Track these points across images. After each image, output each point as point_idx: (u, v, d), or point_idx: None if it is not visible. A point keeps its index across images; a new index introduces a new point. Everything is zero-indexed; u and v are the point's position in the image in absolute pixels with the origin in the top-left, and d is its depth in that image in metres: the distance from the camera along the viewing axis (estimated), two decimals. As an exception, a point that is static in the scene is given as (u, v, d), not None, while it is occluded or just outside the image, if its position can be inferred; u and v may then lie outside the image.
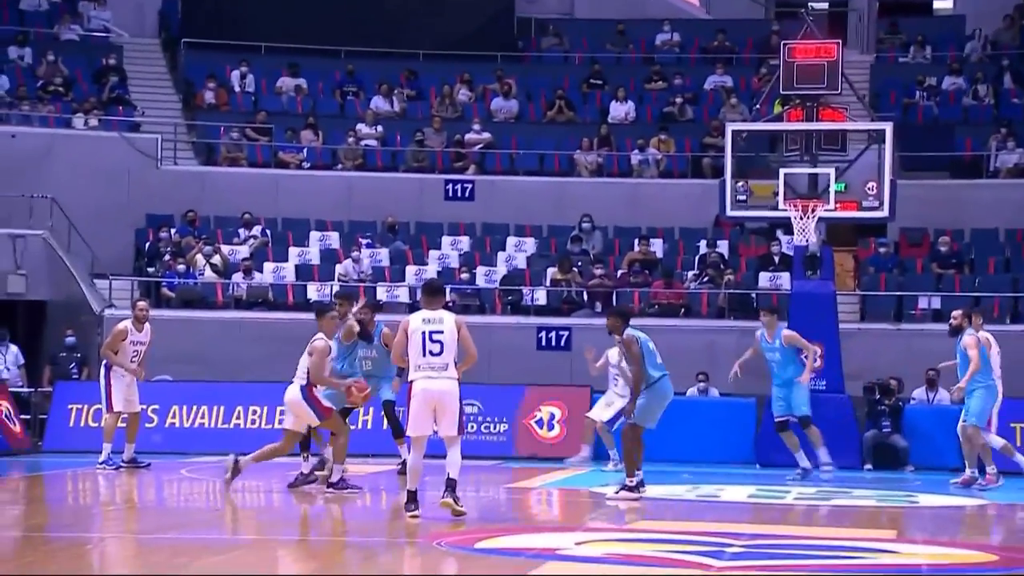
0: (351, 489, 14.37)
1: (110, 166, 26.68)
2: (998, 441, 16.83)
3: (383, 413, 17.10)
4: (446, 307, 12.79)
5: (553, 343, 23.14)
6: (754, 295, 24.64)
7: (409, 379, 12.14)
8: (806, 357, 17.36)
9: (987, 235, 26.38)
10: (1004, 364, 22.57)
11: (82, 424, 20.29)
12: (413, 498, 12.08)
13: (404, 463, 16.71)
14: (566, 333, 23.49)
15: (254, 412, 20.45)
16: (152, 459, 17.43)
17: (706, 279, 24.73)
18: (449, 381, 12.07)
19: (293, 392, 14.24)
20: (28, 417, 21.15)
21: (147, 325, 17.08)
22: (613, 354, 17.64)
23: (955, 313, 17.13)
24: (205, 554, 10.49)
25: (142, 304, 17.57)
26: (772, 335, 17.51)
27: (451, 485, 12.02)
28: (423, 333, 12.04)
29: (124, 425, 17.10)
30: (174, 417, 20.27)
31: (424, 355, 12.01)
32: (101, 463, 16.77)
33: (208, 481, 16.72)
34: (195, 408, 20.46)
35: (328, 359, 14.32)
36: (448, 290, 21.07)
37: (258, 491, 16.16)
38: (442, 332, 12.07)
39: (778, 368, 17.50)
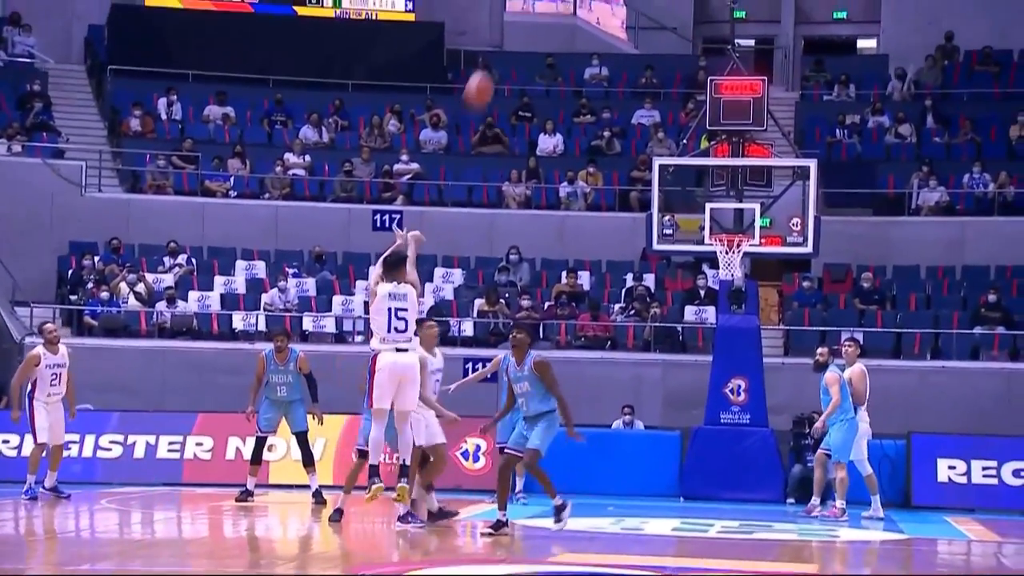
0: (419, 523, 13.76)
1: (33, 192, 26.46)
2: (867, 470, 17.24)
3: (297, 442, 17.20)
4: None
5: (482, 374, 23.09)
6: (680, 328, 24.79)
7: (374, 350, 12.52)
8: None
9: (909, 272, 26.68)
10: (927, 401, 23.02)
11: (4, 454, 20.04)
12: (376, 472, 12.27)
13: (317, 492, 16.75)
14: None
15: (174, 442, 20.29)
16: (72, 489, 17.20)
17: (632, 312, 24.83)
18: (414, 355, 12.66)
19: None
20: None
21: (62, 347, 16.82)
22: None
23: (821, 350, 17.38)
24: (125, 586, 10.37)
25: (50, 326, 17.19)
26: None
27: (405, 472, 12.39)
28: (389, 309, 12.49)
29: (47, 454, 16.88)
30: (95, 447, 20.07)
31: (390, 330, 12.45)
32: (23, 493, 16.56)
33: (130, 511, 16.55)
34: (117, 437, 20.27)
35: (427, 372, 13.80)
36: (381, 260, 21.05)
37: (183, 521, 16.01)
38: (407, 309, 12.59)
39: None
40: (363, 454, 14.29)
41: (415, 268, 13.30)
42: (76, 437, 19.46)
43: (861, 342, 23.06)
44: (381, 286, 12.65)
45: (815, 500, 17.08)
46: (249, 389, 17.11)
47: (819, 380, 17.04)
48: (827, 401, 16.85)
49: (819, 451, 17.15)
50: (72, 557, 12.58)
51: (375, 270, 13.22)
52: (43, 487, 16.69)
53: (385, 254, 13.10)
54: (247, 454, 19.96)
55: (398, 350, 12.51)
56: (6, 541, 14.22)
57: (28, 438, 19.37)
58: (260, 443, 17.22)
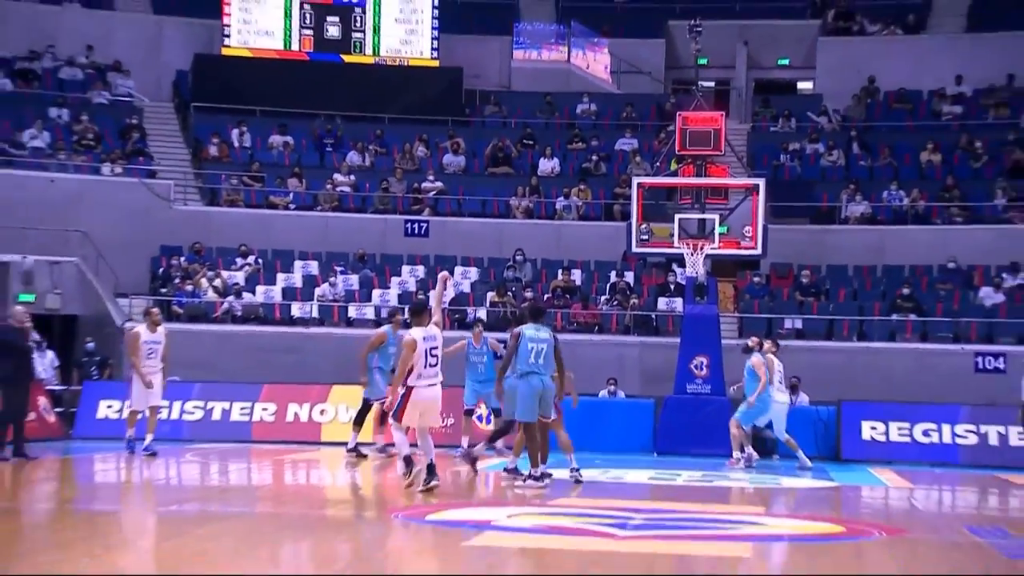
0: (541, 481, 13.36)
1: (131, 206, 26.48)
2: (784, 436, 17.48)
3: (366, 405, 17.04)
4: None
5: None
6: (654, 316, 24.78)
7: (409, 384, 12.05)
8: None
9: (839, 270, 26.66)
10: (854, 375, 23.03)
11: (109, 417, 20.11)
12: (411, 461, 12.14)
13: (355, 448, 16.69)
14: (502, 345, 23.50)
15: (244, 407, 20.33)
16: (162, 446, 17.18)
17: (615, 303, 24.82)
18: (439, 387, 12.26)
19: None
20: (61, 410, 20.91)
21: (160, 328, 16.75)
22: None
23: (752, 338, 17.61)
24: (205, 523, 10.40)
25: (155, 310, 17.20)
26: (479, 342, 17.48)
27: (433, 469, 12.16)
28: (424, 350, 12.04)
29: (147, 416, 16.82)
30: (181, 411, 20.11)
31: (425, 367, 12.05)
32: (126, 446, 16.50)
33: (209, 463, 16.57)
34: (198, 404, 20.31)
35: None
36: (406, 310, 21.01)
37: (252, 471, 16.03)
38: (437, 347, 12.14)
39: (483, 368, 17.39)
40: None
41: (440, 307, 12.78)
42: (166, 403, 19.48)
43: (801, 327, 23.30)
44: (414, 331, 12.13)
45: (749, 450, 17.18)
46: (360, 360, 16.85)
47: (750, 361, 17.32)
48: (749, 378, 17.18)
49: (733, 417, 17.33)
50: (163, 500, 12.62)
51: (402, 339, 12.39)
52: (143, 448, 16.56)
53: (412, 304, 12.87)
54: (304, 418, 20.04)
55: (430, 385, 12.12)
56: (111, 486, 14.28)
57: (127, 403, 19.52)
58: (368, 408, 16.99)
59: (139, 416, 16.78)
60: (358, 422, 16.98)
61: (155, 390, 16.57)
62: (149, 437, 16.57)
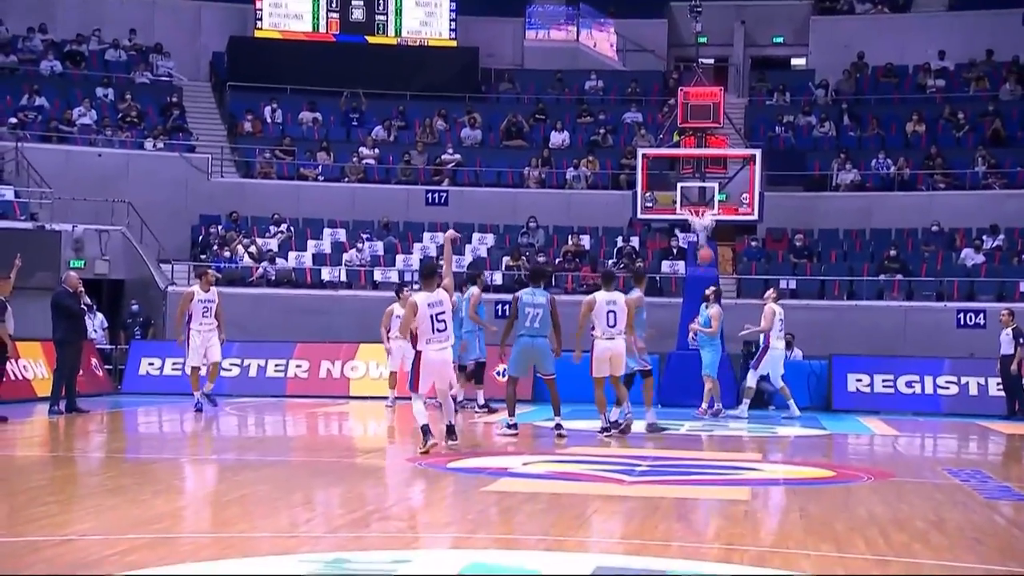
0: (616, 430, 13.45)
1: (172, 178, 26.50)
2: (779, 383, 17.38)
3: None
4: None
5: (507, 314, 23.09)
6: (658, 278, 24.73)
7: (418, 349, 11.44)
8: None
9: (830, 234, 26.55)
10: (844, 331, 22.96)
11: (150, 373, 20.19)
12: (428, 431, 11.76)
13: (485, 403, 16.45)
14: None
15: (279, 364, 20.38)
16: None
17: (622, 265, 24.76)
18: (449, 350, 11.61)
19: (621, 345, 13.36)
20: (110, 367, 21.03)
21: (214, 289, 16.57)
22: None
23: (712, 287, 17.63)
24: (243, 471, 10.45)
25: (211, 272, 17.25)
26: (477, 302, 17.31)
27: (452, 429, 11.82)
28: (430, 316, 11.33)
29: (205, 372, 16.61)
30: (220, 368, 20.11)
31: (433, 332, 11.37)
32: (193, 405, 16.20)
33: (247, 416, 16.63)
34: (236, 361, 20.36)
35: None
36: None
37: (287, 423, 16.10)
38: (444, 312, 11.42)
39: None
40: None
41: (451, 268, 12.04)
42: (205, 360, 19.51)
43: (795, 287, 23.14)
44: (418, 295, 11.43)
45: (718, 405, 17.15)
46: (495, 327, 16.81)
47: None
48: (704, 325, 17.11)
49: (704, 372, 17.16)
50: (205, 449, 12.68)
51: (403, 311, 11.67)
52: (202, 392, 16.37)
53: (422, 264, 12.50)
54: (335, 374, 20.09)
55: (440, 349, 11.43)
56: (157, 437, 14.35)
57: (170, 362, 19.57)
58: (482, 368, 16.84)
59: (201, 372, 16.59)
60: (479, 380, 16.84)
61: (213, 346, 16.41)
62: (208, 386, 16.47)
